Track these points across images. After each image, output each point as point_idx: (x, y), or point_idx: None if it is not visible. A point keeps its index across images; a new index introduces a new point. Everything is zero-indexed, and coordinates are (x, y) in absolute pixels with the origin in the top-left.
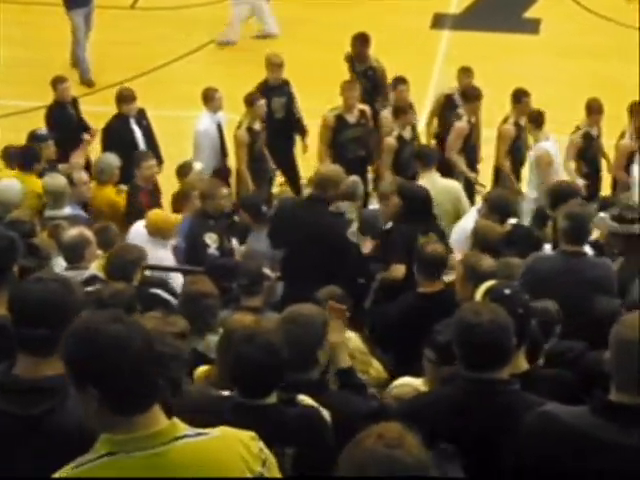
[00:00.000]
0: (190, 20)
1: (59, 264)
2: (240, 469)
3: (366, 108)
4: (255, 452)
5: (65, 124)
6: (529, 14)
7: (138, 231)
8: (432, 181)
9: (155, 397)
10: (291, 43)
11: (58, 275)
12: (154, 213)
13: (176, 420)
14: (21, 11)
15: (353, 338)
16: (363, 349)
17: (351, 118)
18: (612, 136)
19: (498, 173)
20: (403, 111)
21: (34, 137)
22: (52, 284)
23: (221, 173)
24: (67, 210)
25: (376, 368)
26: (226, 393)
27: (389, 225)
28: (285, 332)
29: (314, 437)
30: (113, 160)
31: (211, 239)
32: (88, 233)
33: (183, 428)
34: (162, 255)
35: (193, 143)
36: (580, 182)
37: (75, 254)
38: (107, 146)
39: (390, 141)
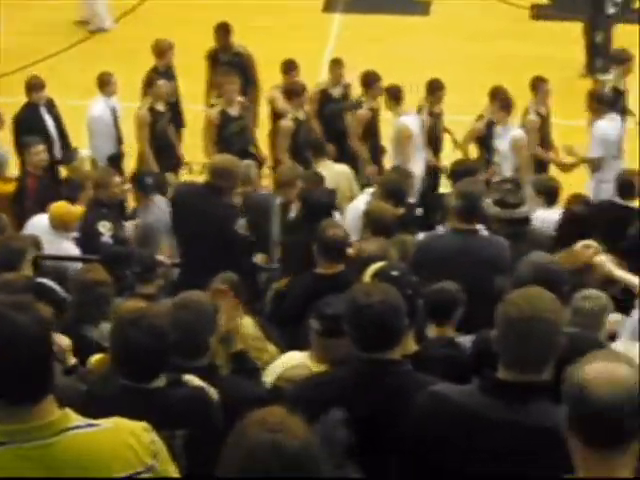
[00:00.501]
0: None
1: None
2: (129, 461)
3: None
4: (146, 443)
5: None
6: None
7: (38, 223)
8: (327, 167)
9: (48, 387)
10: (178, 27)
11: None
12: (57, 206)
13: (68, 411)
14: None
15: (247, 324)
16: (257, 334)
17: (233, 112)
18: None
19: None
20: (296, 93)
21: None
22: None
23: (116, 159)
24: None
25: (271, 353)
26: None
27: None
28: (176, 318)
29: (203, 418)
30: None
31: (105, 227)
32: None
33: (75, 419)
34: (66, 247)
35: (88, 129)
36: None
37: None
38: (18, 135)
39: (285, 124)
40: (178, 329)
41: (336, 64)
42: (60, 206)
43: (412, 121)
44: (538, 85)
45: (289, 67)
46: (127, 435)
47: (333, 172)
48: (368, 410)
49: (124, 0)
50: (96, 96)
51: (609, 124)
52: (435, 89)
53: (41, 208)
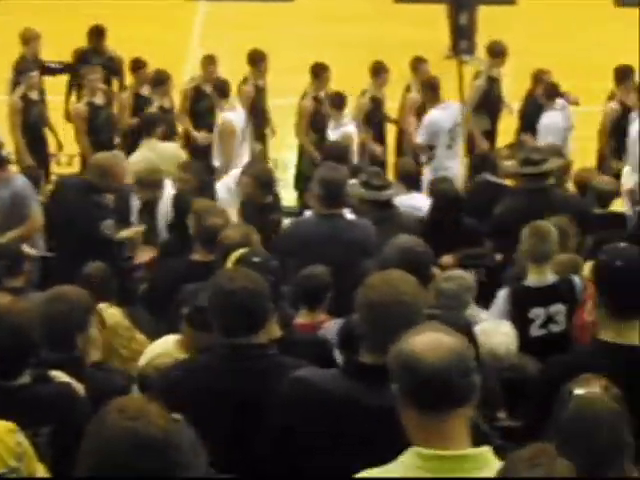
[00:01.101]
0: None
1: None
2: None
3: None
4: (10, 445)
5: None
6: None
7: None
8: (153, 147)
9: None
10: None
11: None
12: None
13: None
14: None
15: (115, 314)
16: (125, 324)
17: (99, 101)
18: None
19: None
20: (160, 82)
21: None
22: None
23: None
24: None
25: (139, 341)
26: None
27: None
28: (47, 310)
29: (68, 414)
30: None
31: None
32: None
33: None
34: None
35: None
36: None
37: None
38: None
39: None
40: (48, 321)
41: (209, 60)
42: None
43: (236, 117)
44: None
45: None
46: None
47: (158, 151)
48: (235, 394)
49: None
50: None
51: (442, 113)
52: (320, 72)
53: None
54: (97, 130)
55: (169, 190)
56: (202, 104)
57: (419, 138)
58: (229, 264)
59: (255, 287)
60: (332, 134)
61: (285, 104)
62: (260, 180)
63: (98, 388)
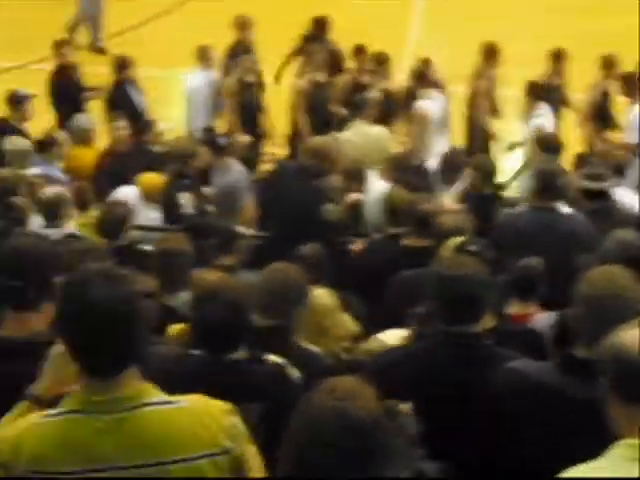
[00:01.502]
0: None
1: (36, 222)
2: (203, 441)
3: None
4: (225, 426)
5: (67, 88)
6: None
7: (125, 194)
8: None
9: (129, 360)
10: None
11: (34, 232)
12: (146, 177)
13: (148, 385)
14: None
15: (324, 294)
16: (334, 305)
17: (321, 79)
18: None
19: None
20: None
21: (15, 97)
22: (26, 238)
23: (210, 131)
24: (34, 170)
25: (347, 323)
26: (196, 351)
27: None
28: (267, 278)
29: (281, 394)
30: (84, 122)
31: (185, 198)
32: (65, 192)
33: (153, 394)
34: (154, 216)
35: (185, 99)
36: None
37: (53, 212)
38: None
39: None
40: (266, 290)
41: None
42: (149, 177)
43: (431, 104)
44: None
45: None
46: (204, 415)
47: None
48: (451, 382)
49: None
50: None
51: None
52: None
53: (116, 182)
54: (315, 108)
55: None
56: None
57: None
58: (446, 251)
59: (478, 276)
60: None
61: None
62: (483, 171)
63: (307, 365)
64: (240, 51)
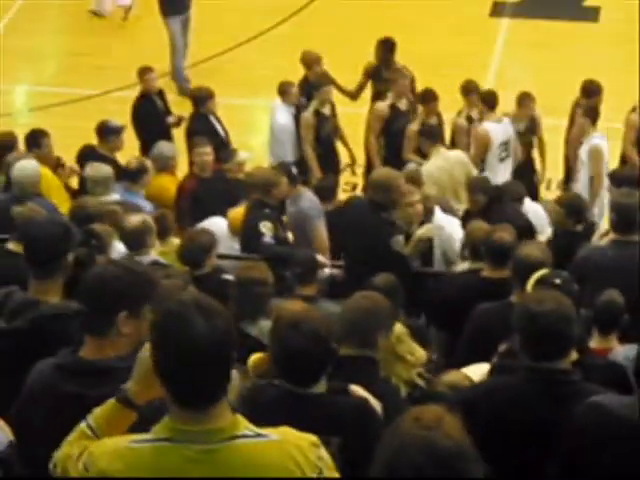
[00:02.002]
0: (245, 8)
1: (117, 250)
2: (292, 475)
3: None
4: (312, 459)
5: (151, 116)
6: (589, 2)
7: (215, 225)
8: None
9: (223, 392)
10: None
11: (121, 261)
12: (236, 212)
13: (239, 417)
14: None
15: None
16: (404, 332)
17: (403, 106)
18: None
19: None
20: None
21: (106, 128)
22: (112, 268)
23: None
24: (115, 196)
25: (419, 350)
26: (276, 382)
27: None
28: (353, 305)
29: (362, 429)
30: (166, 149)
31: (266, 227)
32: (150, 220)
33: (244, 426)
34: (238, 248)
35: (270, 135)
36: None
37: (137, 241)
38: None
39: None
40: (351, 317)
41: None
42: (238, 211)
43: (495, 128)
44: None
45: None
46: (293, 449)
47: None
48: (537, 418)
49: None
50: (277, 102)
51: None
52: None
53: (199, 209)
54: (392, 135)
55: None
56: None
57: None
58: (530, 284)
59: (565, 311)
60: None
61: None
62: (569, 208)
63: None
64: (307, 88)
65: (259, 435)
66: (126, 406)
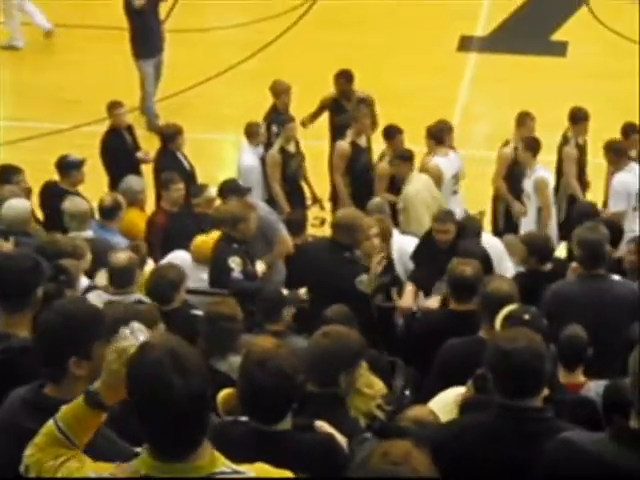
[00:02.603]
0: (215, 43)
1: (83, 285)
2: None
3: None
4: None
5: (120, 150)
6: (556, 37)
7: (178, 258)
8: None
9: (201, 440)
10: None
11: (59, 307)
12: (201, 239)
13: (217, 455)
14: (40, 33)
15: None
16: (363, 366)
17: (363, 143)
18: None
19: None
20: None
21: (66, 163)
22: (52, 319)
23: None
24: (89, 232)
25: (378, 383)
26: (243, 418)
27: None
28: (316, 343)
29: (328, 465)
30: (135, 184)
31: (235, 263)
32: (135, 257)
33: (222, 463)
34: (204, 277)
35: (239, 178)
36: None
37: (124, 278)
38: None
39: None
40: (313, 356)
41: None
42: (203, 240)
43: (445, 163)
44: (577, 116)
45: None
46: None
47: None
48: (509, 456)
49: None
50: (244, 144)
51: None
52: (579, 119)
53: (169, 244)
54: (357, 172)
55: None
56: None
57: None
58: (498, 319)
59: (537, 348)
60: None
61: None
62: (531, 247)
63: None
64: (275, 117)
65: (236, 472)
66: (97, 408)
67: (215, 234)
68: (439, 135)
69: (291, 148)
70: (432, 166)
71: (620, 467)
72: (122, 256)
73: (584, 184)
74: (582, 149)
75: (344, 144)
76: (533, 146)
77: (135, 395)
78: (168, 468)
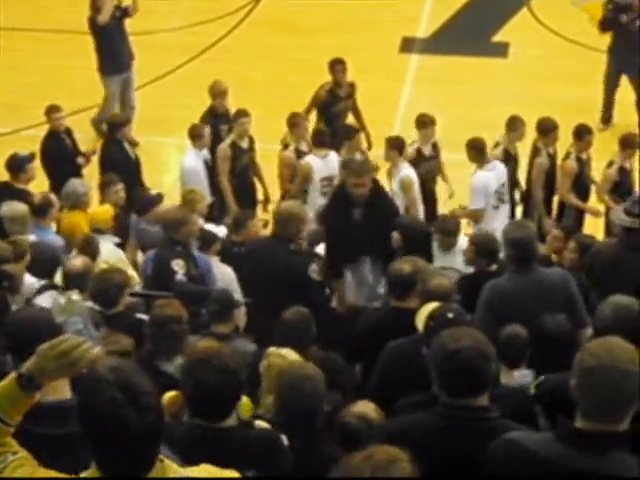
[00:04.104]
0: (158, 46)
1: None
2: None
3: None
4: None
5: (60, 154)
6: (497, 38)
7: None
8: None
9: (153, 463)
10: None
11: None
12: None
13: (167, 463)
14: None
15: (289, 352)
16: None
17: (304, 148)
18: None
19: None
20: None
21: (19, 160)
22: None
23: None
24: (32, 236)
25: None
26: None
27: None
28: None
29: (273, 459)
30: (78, 186)
31: (178, 265)
32: (90, 262)
33: (173, 470)
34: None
35: (180, 180)
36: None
37: (78, 284)
38: (104, 172)
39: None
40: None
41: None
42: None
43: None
44: (546, 127)
45: None
46: None
47: None
48: (453, 455)
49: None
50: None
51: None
52: (548, 130)
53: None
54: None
55: None
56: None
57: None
58: (421, 319)
59: (482, 348)
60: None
61: None
62: (480, 248)
63: None
64: (213, 118)
65: (186, 479)
66: (32, 389)
67: None
68: (319, 138)
69: (243, 144)
70: (304, 164)
71: (565, 467)
72: (78, 262)
73: (554, 192)
74: (553, 159)
75: (289, 153)
76: (399, 145)
77: (86, 426)
78: None
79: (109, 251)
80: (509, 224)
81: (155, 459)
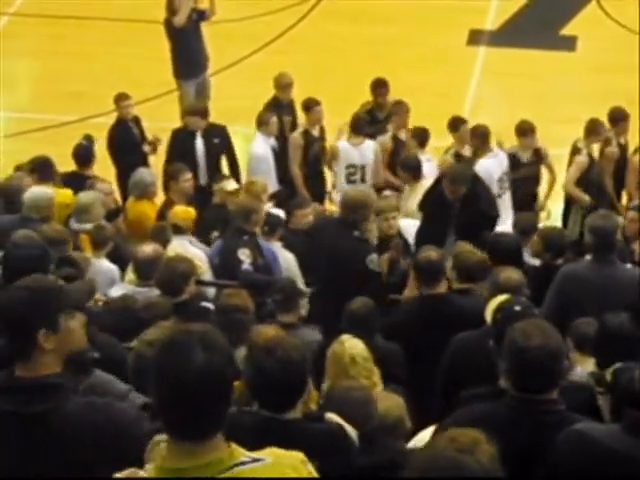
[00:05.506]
0: (223, 35)
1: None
2: None
3: None
4: (304, 474)
5: (127, 142)
6: (566, 31)
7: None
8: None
9: (221, 424)
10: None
11: (23, 282)
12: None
13: (234, 446)
14: (49, 24)
15: (357, 344)
16: (366, 355)
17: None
18: None
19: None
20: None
21: (85, 147)
22: (15, 293)
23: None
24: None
25: (377, 375)
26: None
27: None
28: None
29: (337, 454)
30: (146, 176)
31: (244, 255)
32: (161, 249)
33: (241, 454)
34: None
35: (248, 166)
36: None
37: (149, 271)
38: (170, 161)
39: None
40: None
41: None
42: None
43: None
44: (617, 117)
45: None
46: (288, 469)
47: None
48: (521, 447)
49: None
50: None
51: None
52: (619, 119)
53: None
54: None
55: None
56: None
57: None
58: (489, 311)
59: (553, 347)
60: None
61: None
62: (546, 241)
63: None
64: (276, 109)
65: (256, 460)
66: None
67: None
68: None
69: (315, 132)
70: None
71: (632, 458)
72: (147, 249)
73: (622, 184)
74: (623, 149)
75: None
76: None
77: (153, 369)
78: (185, 467)
79: (183, 252)
80: (594, 214)
81: (221, 417)
